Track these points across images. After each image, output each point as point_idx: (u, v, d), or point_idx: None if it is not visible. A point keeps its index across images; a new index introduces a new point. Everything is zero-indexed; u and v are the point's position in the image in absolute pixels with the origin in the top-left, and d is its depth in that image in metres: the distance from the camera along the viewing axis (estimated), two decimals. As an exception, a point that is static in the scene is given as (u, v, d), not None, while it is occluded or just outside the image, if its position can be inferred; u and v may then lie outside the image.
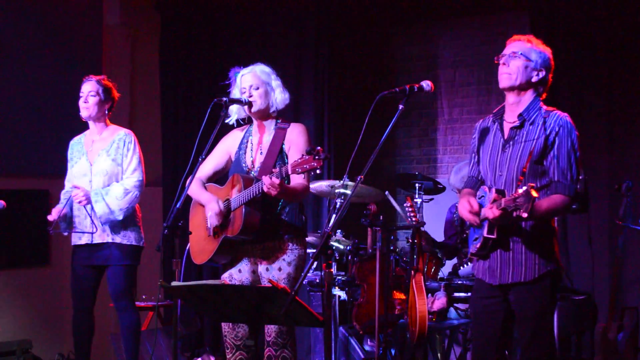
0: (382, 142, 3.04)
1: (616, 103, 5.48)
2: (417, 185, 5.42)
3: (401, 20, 6.85)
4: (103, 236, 4.57)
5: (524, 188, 2.96)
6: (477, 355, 3.49)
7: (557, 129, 3.23)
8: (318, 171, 3.35)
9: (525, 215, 2.96)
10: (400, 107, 3.13)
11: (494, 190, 3.19)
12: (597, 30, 5.48)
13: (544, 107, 3.30)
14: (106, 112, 4.68)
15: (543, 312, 3.28)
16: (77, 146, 4.76)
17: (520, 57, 3.25)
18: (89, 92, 4.61)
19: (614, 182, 4.98)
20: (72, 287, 4.71)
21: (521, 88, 3.28)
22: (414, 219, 4.77)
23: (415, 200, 5.31)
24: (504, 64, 3.28)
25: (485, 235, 3.23)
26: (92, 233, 4.56)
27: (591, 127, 5.52)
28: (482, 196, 3.31)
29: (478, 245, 3.29)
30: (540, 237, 3.26)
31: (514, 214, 3.01)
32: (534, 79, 3.28)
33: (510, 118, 3.34)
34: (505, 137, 3.33)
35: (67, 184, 4.75)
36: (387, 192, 5.20)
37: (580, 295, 5.15)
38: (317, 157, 3.28)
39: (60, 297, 4.82)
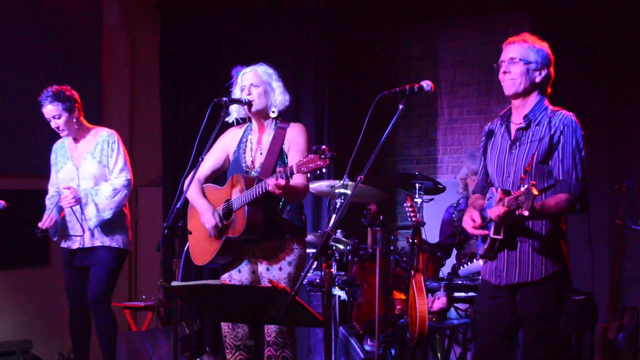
0: (382, 142, 3.03)
1: (616, 103, 5.48)
2: (417, 185, 5.41)
3: (401, 20, 6.84)
4: (93, 240, 4.58)
5: (525, 186, 2.95)
6: (479, 355, 3.47)
7: (562, 128, 3.22)
8: (324, 170, 3.34)
9: (526, 213, 2.94)
10: (400, 107, 3.12)
11: (500, 190, 3.17)
12: (597, 30, 5.47)
13: (550, 107, 3.30)
14: (75, 120, 4.64)
15: (548, 313, 3.25)
16: (60, 151, 4.76)
17: (519, 63, 3.24)
18: (52, 117, 4.59)
19: (614, 182, 4.97)
20: (67, 287, 4.72)
21: (526, 92, 3.28)
22: (414, 219, 4.77)
23: (415, 200, 5.31)
24: (505, 72, 3.26)
25: (491, 236, 3.20)
26: (80, 236, 4.56)
27: (591, 127, 5.49)
28: (490, 197, 3.30)
29: (486, 247, 3.27)
30: (547, 238, 3.24)
31: (517, 212, 3.00)
32: (537, 80, 3.28)
33: (517, 120, 3.34)
34: (512, 138, 3.32)
35: (51, 188, 4.76)
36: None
37: (580, 295, 5.14)
38: (322, 156, 3.26)
39: (60, 297, 4.82)
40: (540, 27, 5.64)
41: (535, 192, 2.92)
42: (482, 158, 3.49)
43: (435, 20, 6.77)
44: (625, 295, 5.17)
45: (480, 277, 3.49)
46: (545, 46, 3.30)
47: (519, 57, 3.24)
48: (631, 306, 4.92)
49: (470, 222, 3.29)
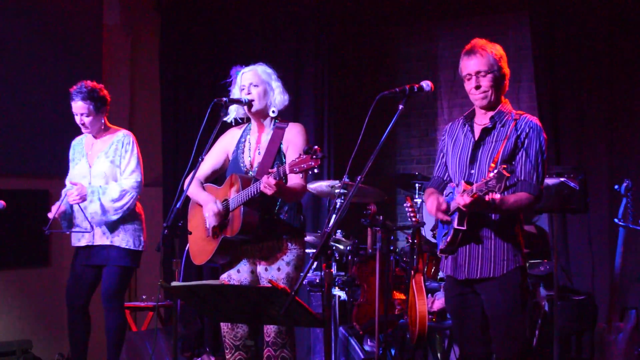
0: (382, 142, 3.04)
1: (616, 103, 5.47)
2: (417, 185, 5.41)
3: (401, 20, 6.85)
4: (102, 239, 4.59)
5: (496, 170, 3.01)
6: (463, 352, 3.50)
7: (527, 130, 3.32)
8: (316, 170, 3.35)
9: (497, 196, 3.02)
10: (400, 107, 3.13)
11: (463, 182, 3.24)
12: (597, 30, 5.47)
13: (514, 111, 3.40)
14: (102, 120, 4.66)
15: (515, 309, 3.31)
16: (78, 147, 4.77)
17: (487, 76, 3.33)
18: (81, 114, 4.58)
19: (614, 182, 4.97)
20: (68, 284, 4.72)
21: (497, 101, 3.38)
22: (413, 219, 4.77)
23: (415, 200, 5.31)
24: (476, 86, 3.34)
25: (455, 227, 3.26)
26: (87, 232, 4.57)
27: (591, 127, 5.52)
28: (450, 192, 3.37)
29: (448, 240, 3.33)
30: (508, 235, 3.31)
31: (487, 197, 3.04)
32: (502, 85, 3.38)
33: (482, 121, 3.43)
34: (476, 137, 3.40)
35: (68, 183, 4.76)
36: None
37: (580, 295, 5.15)
38: (314, 157, 3.28)
39: (60, 297, 4.82)
40: (540, 27, 5.65)
41: (506, 173, 2.99)
42: (441, 155, 3.56)
43: (435, 20, 6.77)
44: (625, 295, 5.17)
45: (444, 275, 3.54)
46: (497, 47, 3.40)
47: (486, 69, 3.33)
48: (631, 306, 4.92)
49: (436, 203, 3.35)
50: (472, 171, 3.36)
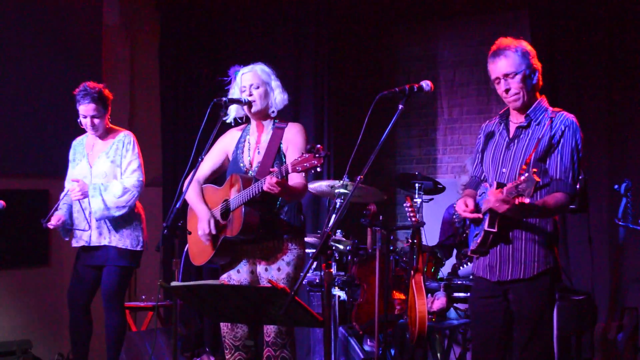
0: (382, 142, 3.03)
1: (616, 103, 5.48)
2: (417, 185, 5.41)
3: (401, 20, 6.85)
4: (101, 239, 4.59)
5: (526, 174, 2.94)
6: (476, 355, 3.49)
7: (562, 129, 3.24)
8: (319, 169, 3.34)
9: (527, 200, 2.95)
10: (400, 107, 3.12)
11: (495, 183, 3.18)
12: (597, 30, 5.47)
13: (550, 108, 3.32)
14: (106, 120, 4.68)
15: (542, 311, 3.27)
16: (79, 147, 4.77)
17: (516, 77, 3.25)
18: (91, 116, 4.57)
19: (614, 182, 4.97)
20: (70, 284, 4.73)
21: (530, 100, 3.30)
22: (413, 219, 4.77)
23: (415, 200, 5.31)
24: (506, 89, 3.27)
25: (486, 228, 3.21)
26: (84, 230, 4.57)
27: (591, 127, 5.51)
28: (484, 192, 3.31)
29: (479, 241, 3.28)
30: (540, 235, 3.26)
31: (517, 201, 2.99)
32: (534, 82, 3.30)
33: (516, 119, 3.36)
34: (511, 135, 3.34)
35: (67, 184, 4.76)
36: None
37: (580, 295, 5.14)
38: (317, 155, 3.27)
39: (60, 297, 4.83)
40: (540, 27, 5.65)
41: (537, 178, 2.92)
42: (479, 154, 3.50)
43: (435, 20, 6.77)
44: (625, 295, 5.17)
45: (474, 275, 3.50)
46: (523, 45, 3.30)
47: (513, 70, 3.25)
48: (631, 306, 4.92)
49: (463, 206, 3.32)
50: (504, 170, 3.30)
